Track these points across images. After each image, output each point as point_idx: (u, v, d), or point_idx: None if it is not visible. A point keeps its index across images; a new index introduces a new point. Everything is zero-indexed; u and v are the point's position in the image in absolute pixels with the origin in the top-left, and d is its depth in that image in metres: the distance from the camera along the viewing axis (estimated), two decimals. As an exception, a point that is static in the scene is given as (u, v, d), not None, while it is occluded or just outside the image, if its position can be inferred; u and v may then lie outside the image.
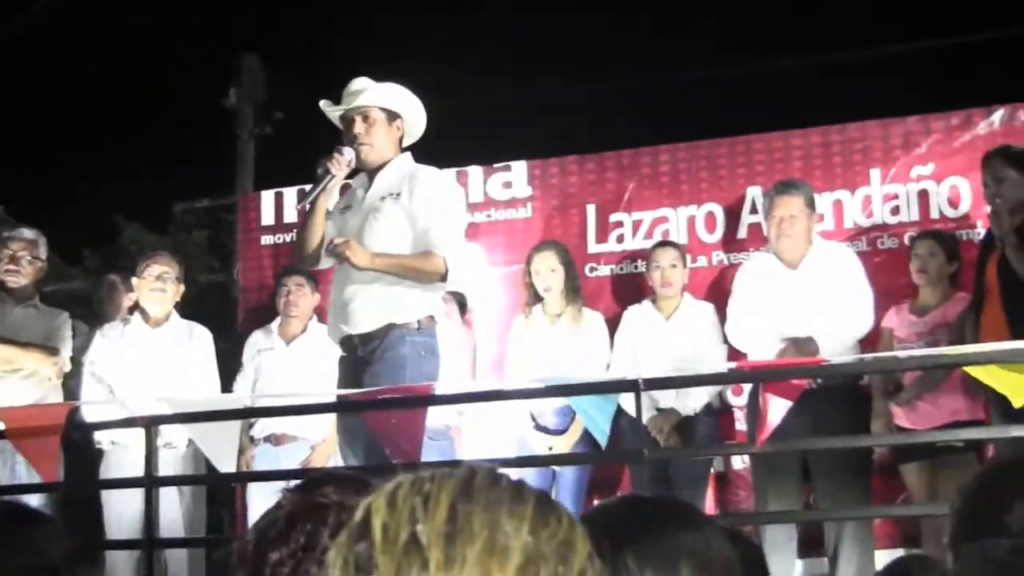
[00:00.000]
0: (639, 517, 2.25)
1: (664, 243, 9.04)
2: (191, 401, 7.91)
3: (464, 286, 9.16)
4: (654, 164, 9.84)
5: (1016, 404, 6.02)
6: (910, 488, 8.19)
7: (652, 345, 8.56)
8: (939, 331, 8.10)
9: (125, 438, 8.23)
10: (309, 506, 2.53)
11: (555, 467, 8.71)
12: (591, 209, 9.88)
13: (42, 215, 11.97)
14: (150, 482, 7.19)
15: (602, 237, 9.81)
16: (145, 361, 8.62)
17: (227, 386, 9.16)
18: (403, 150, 7.34)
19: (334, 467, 8.09)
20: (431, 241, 6.96)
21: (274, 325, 9.50)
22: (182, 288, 8.94)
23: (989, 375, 6.07)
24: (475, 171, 10.20)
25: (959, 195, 9.04)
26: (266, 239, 10.67)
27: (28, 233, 8.92)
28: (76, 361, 8.88)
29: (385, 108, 7.18)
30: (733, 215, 9.51)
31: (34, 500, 7.70)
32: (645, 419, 8.19)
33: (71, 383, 8.91)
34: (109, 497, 8.37)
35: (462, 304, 9.55)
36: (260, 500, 8.19)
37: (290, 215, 10.37)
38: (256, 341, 9.53)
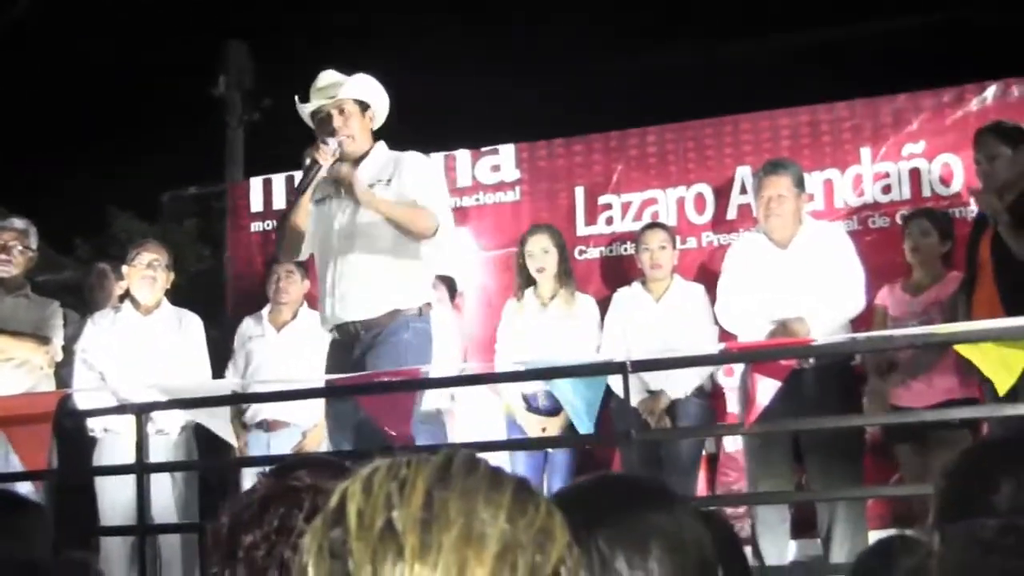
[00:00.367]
0: (610, 497, 2.22)
1: (653, 225, 9.01)
2: (181, 388, 7.92)
3: (451, 268, 9.18)
4: (642, 145, 9.83)
5: (1001, 391, 6.02)
6: (903, 468, 8.19)
7: (642, 327, 8.54)
8: (933, 310, 8.08)
9: (117, 425, 8.25)
10: (283, 489, 2.52)
11: (547, 449, 8.71)
12: (579, 191, 9.87)
13: (33, 205, 11.94)
14: (141, 469, 7.21)
15: (591, 219, 9.80)
16: (136, 349, 8.62)
17: (218, 373, 9.18)
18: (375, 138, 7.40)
19: (315, 452, 8.12)
20: (421, 203, 7.01)
21: (264, 312, 9.50)
22: (172, 276, 8.95)
23: (980, 354, 6.06)
24: (463, 155, 10.20)
25: (951, 173, 9.02)
26: (255, 226, 10.68)
27: (19, 223, 8.90)
28: (68, 350, 8.87)
29: (358, 100, 7.24)
30: (722, 196, 9.50)
31: (28, 488, 7.74)
32: (635, 401, 8.21)
33: (63, 372, 8.91)
34: (102, 484, 8.38)
35: (452, 288, 9.55)
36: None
37: (279, 202, 10.38)
38: (246, 328, 9.54)
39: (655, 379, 8.42)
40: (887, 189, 9.14)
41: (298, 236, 7.27)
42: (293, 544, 2.39)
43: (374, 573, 1.51)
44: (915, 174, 9.11)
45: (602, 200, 9.81)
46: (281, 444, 8.98)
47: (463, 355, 9.38)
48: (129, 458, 7.41)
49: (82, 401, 8.41)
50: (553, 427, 8.54)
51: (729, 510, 8.16)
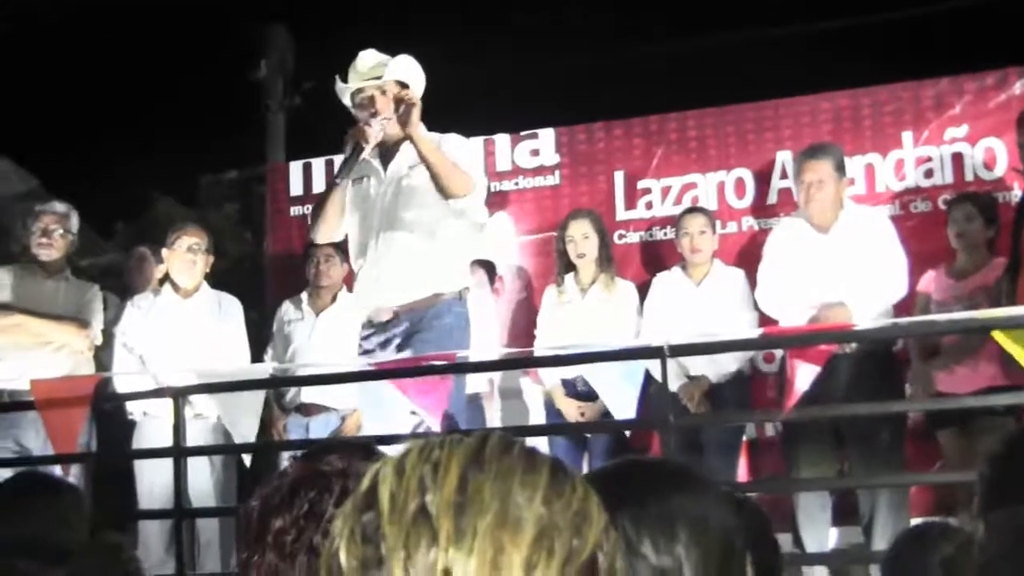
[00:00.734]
0: (637, 480, 2.20)
1: (693, 209, 8.98)
2: (218, 372, 7.92)
3: (490, 253, 9.18)
4: (682, 130, 9.79)
5: None
6: (946, 455, 8.13)
7: (682, 312, 8.51)
8: (978, 295, 7.99)
9: (156, 409, 8.25)
10: (313, 474, 2.51)
11: (586, 434, 8.70)
12: (619, 176, 9.84)
13: (76, 189, 11.97)
14: (178, 452, 7.22)
15: (630, 204, 9.77)
16: (175, 332, 8.64)
17: (257, 356, 9.17)
18: None
19: (346, 436, 8.12)
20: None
21: (304, 296, 9.50)
22: (211, 259, 8.95)
23: (1018, 342, 6.01)
24: (502, 139, 10.18)
25: (994, 157, 8.96)
26: (295, 210, 10.67)
27: (59, 207, 8.94)
28: (107, 333, 8.91)
29: (399, 81, 7.18)
30: (763, 180, 9.45)
31: (72, 470, 7.79)
32: (675, 387, 8.19)
33: (103, 355, 8.95)
34: (141, 468, 8.41)
35: (491, 273, 9.53)
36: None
37: (318, 186, 10.36)
38: (286, 312, 9.55)
39: (695, 364, 8.40)
40: (929, 173, 9.09)
41: (336, 218, 7.26)
42: (323, 529, 2.38)
43: (407, 558, 1.49)
44: (958, 158, 9.05)
45: (642, 184, 9.78)
46: (320, 428, 9.00)
47: (501, 339, 9.37)
48: (167, 442, 7.43)
49: (121, 384, 8.45)
50: (592, 412, 8.51)
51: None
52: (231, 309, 8.92)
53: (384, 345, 7.07)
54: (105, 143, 21.63)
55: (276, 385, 8.74)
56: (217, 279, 9.27)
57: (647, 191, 9.76)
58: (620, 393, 6.85)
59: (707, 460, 8.06)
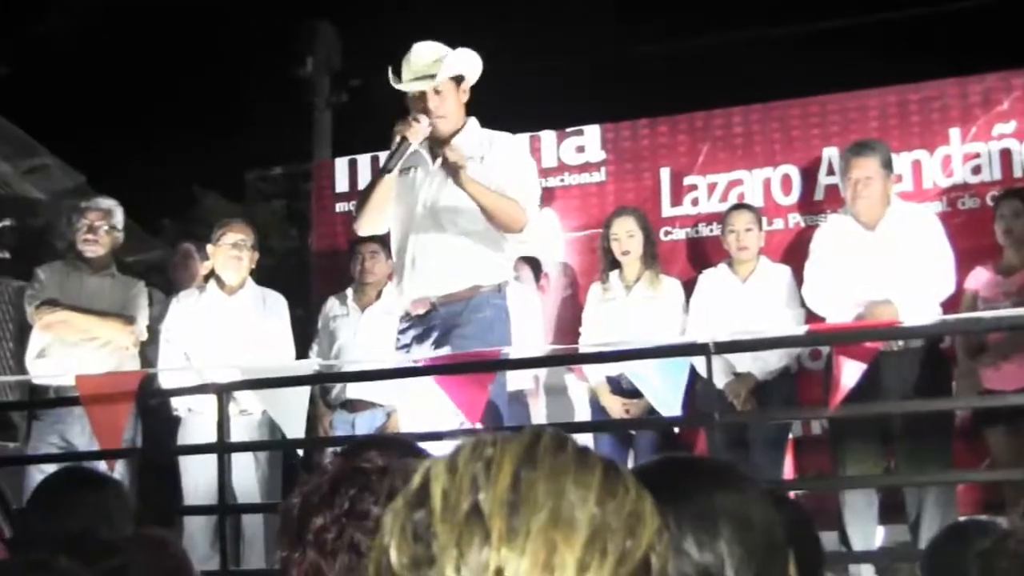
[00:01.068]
0: (678, 477, 2.21)
1: (739, 206, 8.95)
2: (262, 368, 7.93)
3: (536, 249, 9.17)
4: (727, 126, 9.77)
5: None
6: (994, 452, 8.08)
7: (728, 309, 8.49)
8: (1028, 291, 7.99)
9: (201, 405, 8.25)
10: (353, 471, 2.51)
11: (632, 432, 8.69)
12: (665, 172, 9.83)
13: (123, 186, 12.02)
14: (222, 448, 7.24)
15: (676, 200, 9.75)
16: (220, 328, 8.66)
17: (302, 353, 9.18)
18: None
19: (390, 433, 8.11)
20: (512, 194, 6.96)
21: (349, 292, 9.50)
22: (256, 255, 8.95)
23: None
24: (548, 136, 10.17)
25: (1044, 153, 8.92)
26: (340, 206, 10.67)
27: (105, 203, 8.97)
28: (153, 329, 8.93)
29: (454, 76, 7.12)
30: (809, 177, 9.42)
31: (118, 466, 7.83)
32: (722, 384, 8.17)
33: (148, 351, 8.98)
34: (185, 464, 8.42)
35: (536, 269, 9.53)
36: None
37: (363, 182, 10.34)
38: (331, 308, 9.54)
39: (741, 361, 8.38)
40: (977, 170, 9.04)
41: (380, 210, 7.24)
42: (363, 527, 2.38)
43: (459, 557, 1.49)
44: (1006, 154, 9.00)
45: (687, 181, 9.76)
46: (365, 424, 8.99)
47: (546, 336, 9.36)
48: (211, 438, 7.44)
49: (166, 381, 8.48)
50: (637, 409, 8.49)
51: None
52: (276, 306, 8.93)
53: (421, 339, 7.05)
54: (153, 140, 21.73)
55: (319, 381, 8.72)
56: (263, 276, 9.29)
57: (693, 187, 9.74)
58: (665, 390, 6.85)
59: (753, 457, 8.05)
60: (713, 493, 2.13)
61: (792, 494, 7.15)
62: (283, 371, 7.90)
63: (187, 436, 8.53)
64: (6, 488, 6.25)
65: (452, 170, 6.82)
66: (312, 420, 8.72)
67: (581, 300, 9.29)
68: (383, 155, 7.25)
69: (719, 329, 7.85)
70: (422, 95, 7.02)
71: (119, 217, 9.01)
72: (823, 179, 9.36)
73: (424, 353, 6.98)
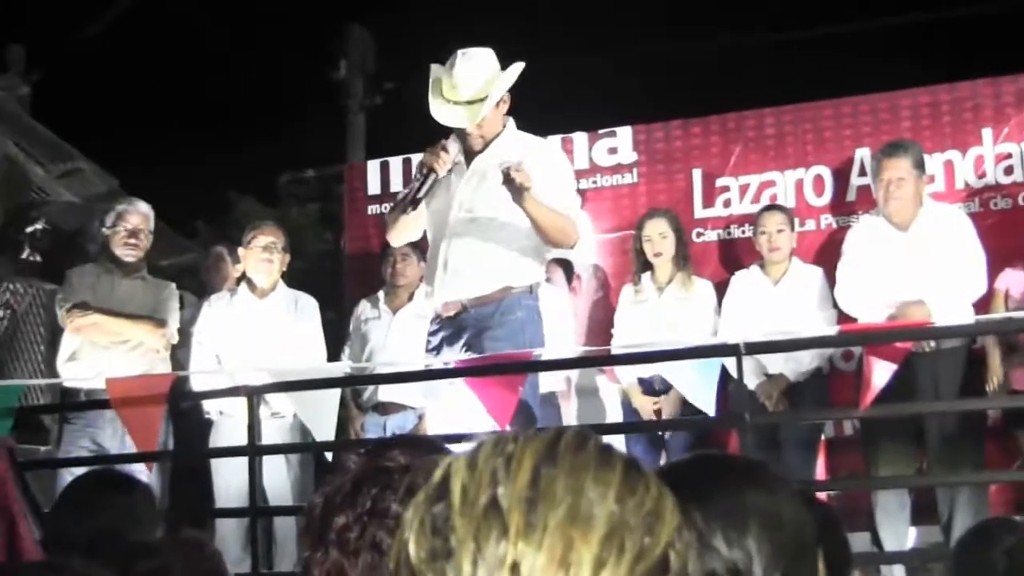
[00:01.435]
0: (709, 475, 2.22)
1: (771, 207, 8.93)
2: (293, 370, 7.94)
3: (568, 251, 9.16)
4: (759, 127, 9.74)
5: None
6: (1026, 453, 8.07)
7: (760, 310, 8.47)
8: (1058, 292, 7.96)
9: (232, 408, 8.26)
10: (375, 470, 2.50)
11: (663, 433, 8.69)
12: (697, 174, 9.81)
13: (157, 189, 12.07)
14: (253, 451, 7.26)
15: (708, 202, 9.74)
16: (251, 331, 8.65)
17: (334, 355, 9.18)
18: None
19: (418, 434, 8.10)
20: (561, 210, 6.90)
21: (380, 294, 9.51)
22: (288, 258, 8.94)
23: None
24: (580, 138, 10.16)
25: (1077, 154, 8.88)
26: (372, 208, 10.68)
27: (143, 207, 8.98)
28: (184, 332, 8.95)
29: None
30: (842, 178, 9.39)
31: (142, 468, 7.84)
32: (754, 385, 8.16)
33: (180, 354, 9.00)
34: (217, 466, 8.44)
35: (568, 272, 9.52)
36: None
37: (396, 184, 10.38)
38: (362, 310, 9.56)
39: (773, 363, 8.36)
40: (1009, 170, 9.00)
41: (409, 231, 7.25)
42: (386, 525, 2.37)
43: (477, 550, 1.49)
44: (1038, 155, 8.96)
45: (720, 182, 9.75)
46: (397, 427, 8.99)
47: (578, 338, 9.34)
48: (243, 441, 7.45)
49: (197, 383, 8.50)
50: (668, 406, 8.51)
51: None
52: (307, 308, 8.92)
53: (451, 341, 7.00)
54: (187, 144, 21.81)
55: (349, 384, 8.73)
56: (297, 279, 9.29)
57: (725, 189, 9.73)
58: (697, 391, 6.84)
59: (785, 458, 8.03)
60: (744, 491, 2.14)
61: (824, 495, 7.15)
62: (313, 373, 7.91)
63: (219, 439, 8.53)
64: (36, 491, 6.28)
65: (517, 191, 6.63)
66: (344, 423, 8.73)
67: (613, 302, 9.28)
68: (415, 157, 7.18)
69: (751, 331, 7.83)
70: (463, 129, 6.93)
71: (153, 221, 9.04)
72: (855, 180, 9.33)
73: (454, 355, 6.96)
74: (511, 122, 7.14)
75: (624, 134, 10.11)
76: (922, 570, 7.87)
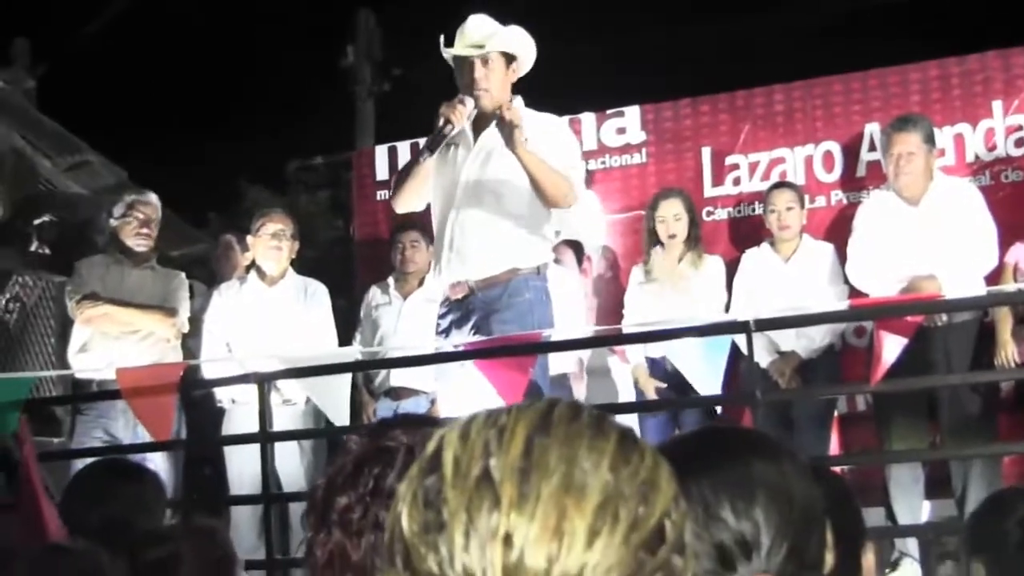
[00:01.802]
0: (717, 446, 2.20)
1: (780, 184, 8.90)
2: (304, 357, 7.94)
3: (578, 233, 9.14)
4: (768, 104, 9.69)
5: None
6: (1038, 425, 8.05)
7: (771, 288, 8.45)
8: (1070, 264, 7.93)
9: (245, 396, 8.24)
10: (377, 450, 2.48)
11: (675, 413, 8.67)
12: (706, 152, 9.76)
13: (167, 180, 12.07)
14: (264, 438, 7.26)
15: (718, 180, 9.69)
16: (261, 319, 8.66)
17: (346, 342, 9.16)
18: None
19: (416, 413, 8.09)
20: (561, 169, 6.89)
21: (390, 280, 9.50)
22: (297, 245, 8.95)
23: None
24: (588, 118, 10.12)
25: (1089, 125, 8.84)
26: (381, 194, 10.64)
27: (153, 197, 9.01)
28: (195, 321, 8.95)
29: (505, 52, 7.02)
30: (851, 153, 9.34)
31: (159, 458, 7.86)
32: (766, 363, 8.15)
33: (190, 343, 9.01)
34: (230, 454, 8.44)
35: (579, 253, 9.50)
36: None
37: (405, 170, 10.36)
38: (373, 297, 9.55)
39: (785, 340, 8.34)
40: (1020, 143, 8.95)
41: (417, 192, 7.19)
42: (388, 505, 2.36)
43: (469, 522, 1.46)
44: (1050, 127, 8.92)
45: (729, 160, 9.70)
46: (410, 412, 8.97)
47: (589, 319, 9.32)
48: (255, 428, 7.46)
49: (207, 372, 8.50)
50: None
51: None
52: (318, 295, 8.92)
53: (459, 324, 6.99)
54: (197, 135, 21.83)
55: (358, 369, 8.71)
56: (309, 267, 9.29)
57: (735, 167, 9.68)
58: (705, 370, 6.82)
59: (799, 435, 8.02)
60: (751, 462, 2.12)
61: (838, 470, 7.13)
62: (324, 359, 7.90)
63: (231, 427, 8.54)
64: (50, 483, 6.29)
65: (508, 129, 6.66)
66: (357, 409, 8.73)
67: (623, 282, 9.26)
68: (423, 142, 7.16)
69: (762, 308, 7.81)
70: (470, 66, 6.94)
71: (160, 211, 9.05)
72: (865, 155, 9.28)
73: (463, 338, 6.95)
74: (519, 99, 7.11)
75: (632, 114, 10.07)
76: (936, 544, 7.85)
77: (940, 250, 7.74)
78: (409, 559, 1.50)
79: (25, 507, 5.53)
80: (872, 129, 9.21)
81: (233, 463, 8.38)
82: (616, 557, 1.46)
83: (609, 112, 10.13)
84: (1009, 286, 7.77)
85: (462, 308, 6.99)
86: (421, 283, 9.33)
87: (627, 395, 9.04)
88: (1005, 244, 7.99)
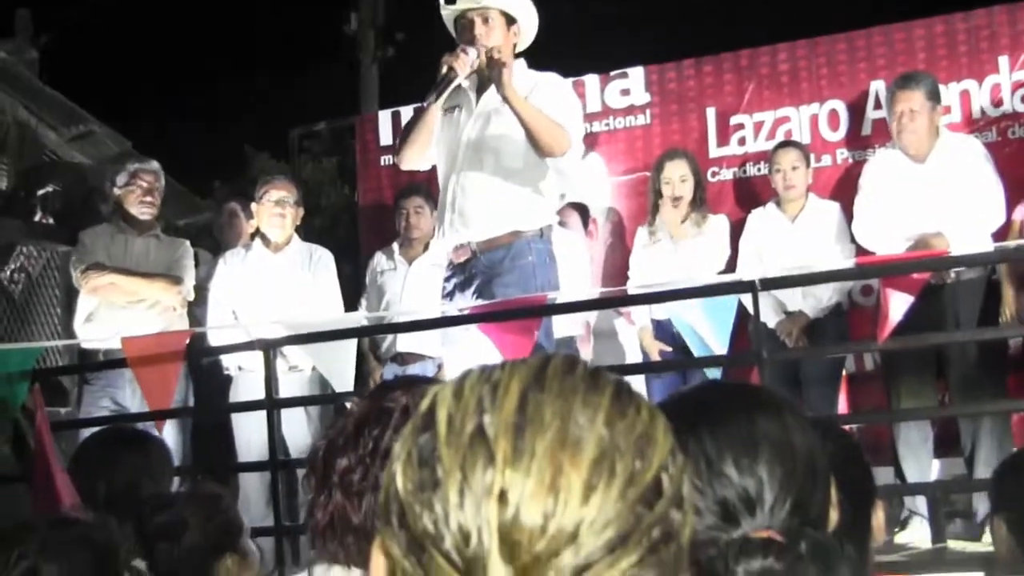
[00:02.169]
0: (720, 402, 2.18)
1: (785, 144, 8.86)
2: (308, 323, 7.93)
3: (583, 195, 9.12)
4: (773, 63, 9.65)
5: None
6: (1048, 382, 8.03)
7: (778, 248, 8.43)
8: (1076, 220, 7.90)
9: (251, 363, 8.25)
10: (377, 411, 2.48)
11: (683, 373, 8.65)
12: (711, 112, 9.73)
13: (172, 149, 12.06)
14: (271, 404, 7.25)
15: (723, 140, 9.66)
16: (267, 286, 8.65)
17: (352, 308, 9.16)
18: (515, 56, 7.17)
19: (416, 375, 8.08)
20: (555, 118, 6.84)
21: (395, 246, 9.49)
22: (301, 211, 8.93)
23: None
24: (592, 80, 10.09)
25: (1095, 80, 8.79)
26: (385, 159, 10.64)
27: (155, 165, 9.03)
28: (201, 289, 8.94)
29: (505, 12, 7.00)
30: (857, 111, 9.30)
31: (170, 426, 7.87)
32: (773, 323, 8.14)
33: (196, 312, 9.01)
34: (237, 422, 8.45)
35: (584, 215, 9.48)
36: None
37: (408, 134, 10.33)
38: (378, 262, 9.54)
39: (792, 300, 8.33)
40: (1027, 98, 8.92)
41: (423, 145, 7.15)
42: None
43: (463, 480, 1.44)
44: (1056, 82, 8.88)
45: (734, 120, 9.67)
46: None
47: (595, 281, 9.31)
48: (262, 395, 7.46)
49: (213, 339, 8.49)
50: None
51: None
52: (323, 261, 8.91)
53: (463, 287, 6.98)
54: (202, 104, 21.79)
55: (364, 334, 8.70)
56: (316, 233, 9.27)
57: (740, 127, 9.65)
58: (711, 331, 6.81)
59: (807, 394, 8.01)
60: (754, 417, 2.10)
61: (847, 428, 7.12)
62: (329, 325, 7.88)
63: (238, 394, 8.56)
64: (58, 452, 6.29)
65: (498, 74, 6.67)
66: (363, 375, 8.72)
67: (629, 244, 9.24)
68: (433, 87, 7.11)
69: (769, 268, 7.79)
70: (470, 23, 6.92)
71: (163, 179, 9.05)
72: (871, 113, 9.24)
73: (466, 302, 6.94)
74: (521, 61, 7.10)
75: (636, 75, 10.03)
76: (945, 502, 7.83)
77: (947, 207, 7.71)
78: (404, 518, 1.48)
79: (39, 477, 5.53)
80: (877, 87, 9.17)
81: (240, 430, 8.39)
82: (613, 512, 1.43)
83: (613, 74, 10.09)
84: (1017, 242, 7.73)
85: (465, 271, 6.97)
86: (426, 248, 9.30)
87: (634, 357, 9.04)
88: (1012, 201, 7.96)
